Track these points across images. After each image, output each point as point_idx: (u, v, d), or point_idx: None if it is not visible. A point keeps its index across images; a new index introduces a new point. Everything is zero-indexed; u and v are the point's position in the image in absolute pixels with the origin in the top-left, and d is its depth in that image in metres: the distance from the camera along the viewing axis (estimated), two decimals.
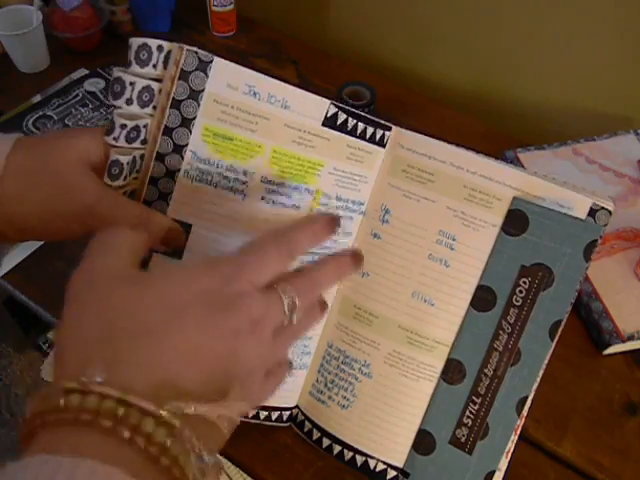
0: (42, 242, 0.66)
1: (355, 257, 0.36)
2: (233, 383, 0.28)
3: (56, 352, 0.27)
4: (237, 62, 0.37)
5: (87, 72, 0.86)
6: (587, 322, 0.61)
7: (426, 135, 0.43)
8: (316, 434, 0.46)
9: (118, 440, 0.23)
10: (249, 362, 0.29)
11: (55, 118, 0.79)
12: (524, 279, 0.41)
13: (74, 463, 0.21)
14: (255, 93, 0.38)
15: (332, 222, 0.34)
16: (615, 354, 0.59)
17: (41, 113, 0.79)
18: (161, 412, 0.24)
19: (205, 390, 0.26)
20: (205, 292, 0.28)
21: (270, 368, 0.35)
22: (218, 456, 0.27)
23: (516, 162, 0.71)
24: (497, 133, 0.82)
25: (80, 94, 0.82)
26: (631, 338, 0.58)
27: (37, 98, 0.81)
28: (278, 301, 0.31)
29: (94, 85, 0.84)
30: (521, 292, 0.41)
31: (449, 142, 0.42)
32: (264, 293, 0.30)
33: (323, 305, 0.38)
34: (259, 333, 0.29)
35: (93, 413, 0.23)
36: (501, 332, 0.41)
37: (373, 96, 0.78)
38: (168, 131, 0.37)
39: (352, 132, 0.42)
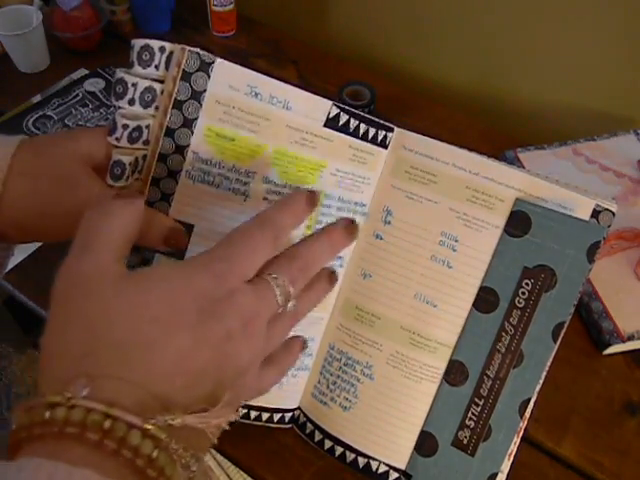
0: (42, 242, 0.66)
1: (348, 228, 0.34)
2: (223, 390, 0.27)
3: (41, 362, 0.26)
4: (237, 62, 0.37)
5: (87, 72, 0.86)
6: (587, 322, 0.61)
7: (427, 136, 0.43)
8: (318, 436, 0.46)
9: (104, 453, 0.23)
10: (240, 363, 0.28)
11: (55, 118, 0.78)
12: (527, 281, 0.41)
13: (68, 470, 0.21)
14: (257, 94, 0.38)
15: (312, 198, 0.33)
16: (615, 354, 0.60)
17: (41, 113, 0.79)
18: (147, 426, 0.23)
19: (193, 400, 0.26)
20: (198, 296, 0.27)
21: (271, 356, 0.34)
22: (204, 459, 0.27)
23: (516, 162, 0.71)
24: (497, 133, 0.82)
25: (80, 94, 0.82)
26: (631, 338, 0.58)
27: (37, 98, 0.81)
28: (270, 292, 0.30)
29: (94, 85, 0.84)
30: (524, 294, 0.41)
31: (449, 142, 0.42)
32: (255, 285, 0.29)
33: (332, 276, 0.36)
34: (251, 330, 0.29)
35: (79, 426, 0.23)
36: (504, 334, 0.41)
37: (373, 96, 0.78)
38: (170, 132, 0.37)
39: (354, 133, 0.42)
